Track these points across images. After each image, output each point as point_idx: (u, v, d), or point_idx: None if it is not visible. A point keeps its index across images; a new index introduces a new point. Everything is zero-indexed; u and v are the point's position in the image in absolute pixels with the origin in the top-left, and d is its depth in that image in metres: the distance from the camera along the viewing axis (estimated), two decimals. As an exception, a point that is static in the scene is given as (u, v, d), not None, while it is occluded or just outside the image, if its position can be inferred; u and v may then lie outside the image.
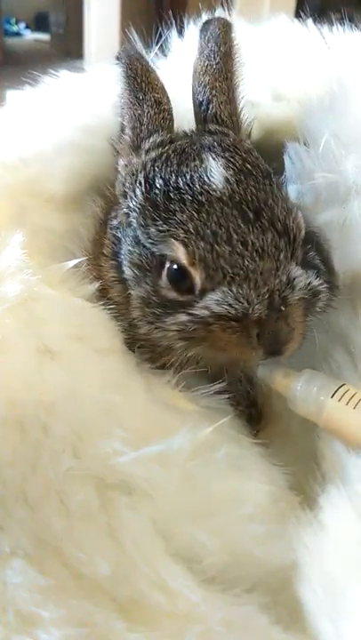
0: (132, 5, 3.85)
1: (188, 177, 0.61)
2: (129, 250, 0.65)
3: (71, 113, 0.82)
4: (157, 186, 0.63)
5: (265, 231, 0.58)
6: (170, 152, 0.66)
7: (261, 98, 0.84)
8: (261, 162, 0.66)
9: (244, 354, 0.58)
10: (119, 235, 0.68)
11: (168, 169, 0.64)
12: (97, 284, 0.68)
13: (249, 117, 0.75)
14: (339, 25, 0.87)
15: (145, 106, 0.70)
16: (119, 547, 0.49)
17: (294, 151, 0.75)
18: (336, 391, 0.57)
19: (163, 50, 0.87)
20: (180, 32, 0.90)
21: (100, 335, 0.63)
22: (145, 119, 0.70)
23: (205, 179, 0.61)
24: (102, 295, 0.68)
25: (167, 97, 0.72)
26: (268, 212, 0.59)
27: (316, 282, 0.61)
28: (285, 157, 0.76)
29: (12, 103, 0.86)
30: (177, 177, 0.62)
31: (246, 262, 0.57)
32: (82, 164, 0.80)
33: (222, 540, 0.52)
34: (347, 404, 0.56)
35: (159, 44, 0.86)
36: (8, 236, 0.66)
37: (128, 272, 0.65)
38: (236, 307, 0.56)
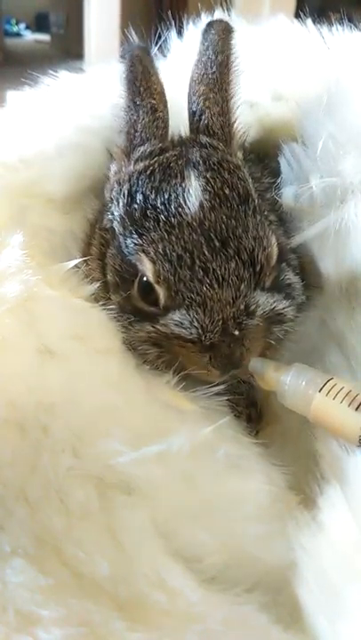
0: (132, 6, 3.85)
1: (166, 196, 0.63)
2: (113, 254, 0.68)
3: (71, 113, 0.82)
4: (137, 201, 0.65)
5: (229, 260, 0.60)
6: (156, 166, 0.67)
7: (261, 98, 0.84)
8: (244, 183, 0.66)
9: (203, 374, 0.61)
10: (107, 236, 0.70)
11: (150, 185, 0.65)
12: (97, 284, 0.69)
13: (243, 127, 0.75)
14: (338, 25, 0.87)
15: (141, 112, 0.71)
16: (119, 546, 0.49)
17: (291, 152, 0.75)
18: (324, 385, 0.58)
19: (162, 50, 0.87)
20: (180, 33, 0.90)
21: (100, 335, 0.64)
22: (139, 126, 0.71)
23: (181, 201, 0.62)
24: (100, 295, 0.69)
25: (164, 103, 0.72)
26: (235, 241, 0.61)
27: (281, 305, 0.64)
28: (281, 159, 0.76)
29: (12, 104, 0.86)
30: (156, 195, 0.64)
31: (205, 289, 0.59)
32: (82, 164, 0.80)
33: (222, 539, 0.52)
34: (334, 399, 0.57)
35: (159, 45, 0.86)
36: (8, 236, 0.66)
37: (110, 277, 0.68)
38: (191, 331, 0.59)
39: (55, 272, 0.67)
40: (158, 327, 0.62)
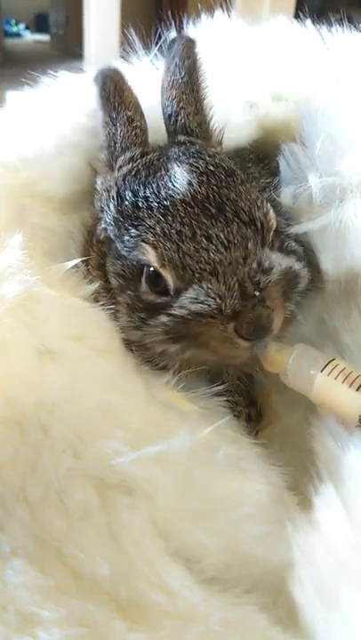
0: (132, 6, 3.86)
1: (154, 186, 0.64)
2: (112, 262, 0.67)
3: (71, 113, 0.82)
4: (127, 198, 0.65)
5: (229, 223, 0.59)
6: (139, 166, 0.68)
7: (261, 98, 0.84)
8: (226, 162, 0.67)
9: (230, 350, 0.58)
10: (104, 249, 0.70)
11: (137, 182, 0.66)
12: (97, 284, 0.69)
13: (219, 125, 0.76)
14: (338, 26, 0.87)
15: (118, 124, 0.73)
16: (119, 547, 0.49)
17: (290, 152, 0.76)
18: (326, 365, 0.58)
19: (162, 50, 0.87)
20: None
21: (99, 335, 0.64)
22: (118, 137, 0.73)
23: (170, 185, 0.63)
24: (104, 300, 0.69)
25: (140, 114, 0.74)
26: (231, 205, 0.61)
27: (296, 265, 0.63)
28: (281, 159, 0.77)
29: (11, 104, 0.86)
30: (145, 188, 0.64)
31: (212, 255, 0.58)
32: (81, 164, 0.80)
33: (222, 540, 0.52)
34: (336, 379, 0.57)
35: (158, 45, 0.86)
36: (8, 236, 0.66)
37: (113, 281, 0.67)
38: (210, 303, 0.57)
39: (55, 272, 0.67)
40: (174, 312, 0.59)
